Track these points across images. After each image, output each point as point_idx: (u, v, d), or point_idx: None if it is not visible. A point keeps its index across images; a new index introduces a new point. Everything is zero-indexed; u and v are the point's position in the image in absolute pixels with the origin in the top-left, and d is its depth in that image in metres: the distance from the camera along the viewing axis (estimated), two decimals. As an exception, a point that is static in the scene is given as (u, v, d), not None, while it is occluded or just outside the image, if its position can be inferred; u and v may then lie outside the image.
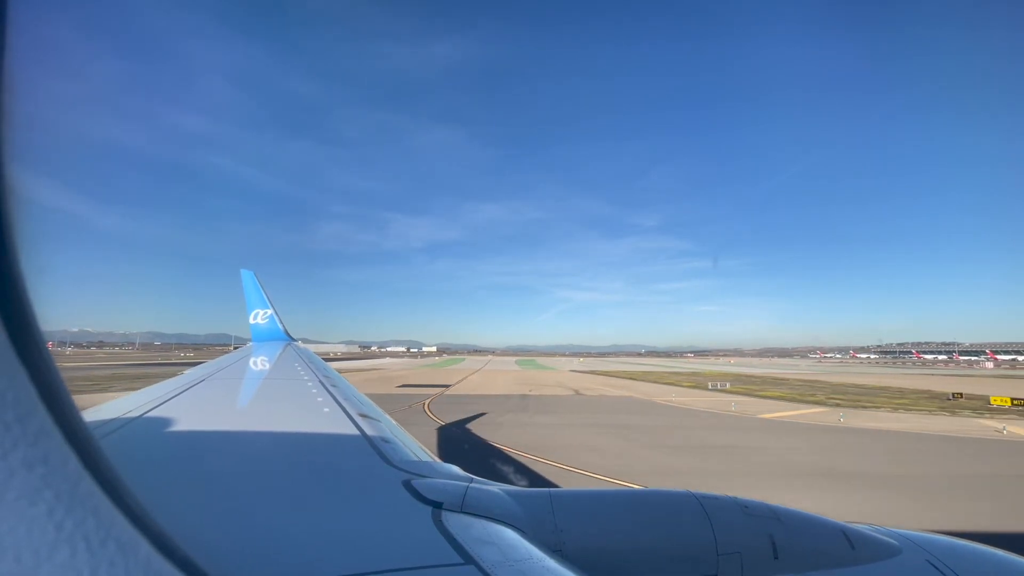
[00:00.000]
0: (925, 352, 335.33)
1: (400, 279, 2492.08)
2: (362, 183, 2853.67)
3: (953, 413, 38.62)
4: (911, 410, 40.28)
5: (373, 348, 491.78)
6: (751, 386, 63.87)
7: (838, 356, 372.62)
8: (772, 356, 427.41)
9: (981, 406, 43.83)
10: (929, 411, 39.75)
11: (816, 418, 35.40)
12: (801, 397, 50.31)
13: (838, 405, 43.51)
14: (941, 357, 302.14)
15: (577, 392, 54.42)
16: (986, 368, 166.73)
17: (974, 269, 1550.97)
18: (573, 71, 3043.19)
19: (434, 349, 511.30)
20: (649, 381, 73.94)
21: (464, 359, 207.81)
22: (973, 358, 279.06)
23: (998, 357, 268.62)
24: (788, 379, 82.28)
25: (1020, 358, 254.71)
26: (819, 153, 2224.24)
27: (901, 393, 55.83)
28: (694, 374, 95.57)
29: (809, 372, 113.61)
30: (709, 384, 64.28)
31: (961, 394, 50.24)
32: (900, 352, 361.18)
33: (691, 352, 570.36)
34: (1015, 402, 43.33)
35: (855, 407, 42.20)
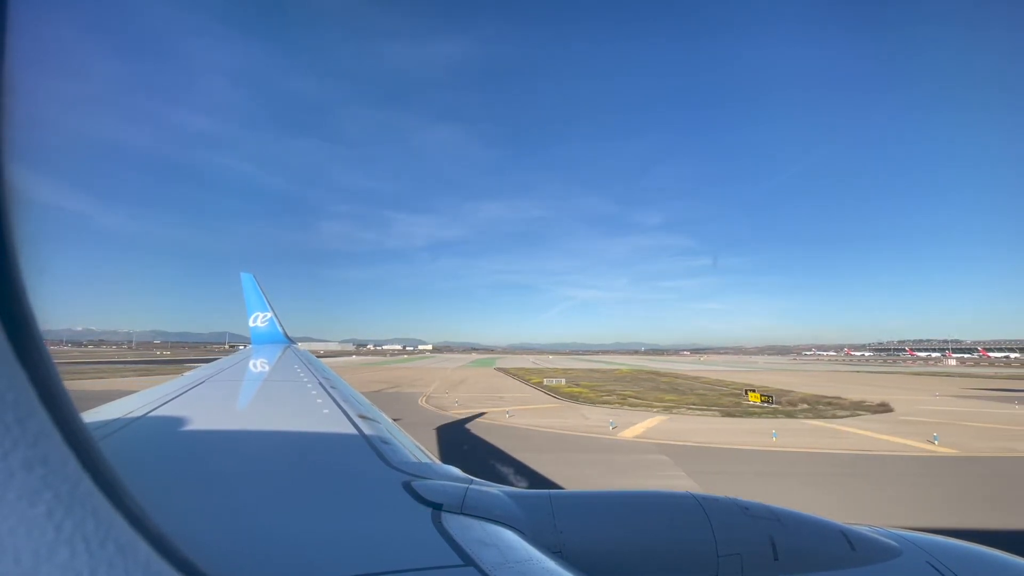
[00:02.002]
0: (920, 350, 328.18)
1: (403, 278, 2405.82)
2: (364, 182, 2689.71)
3: (667, 411, 38.74)
4: (640, 407, 40.47)
5: (369, 346, 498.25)
6: (582, 382, 64.11)
7: (832, 354, 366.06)
8: (769, 354, 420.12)
9: (738, 403, 43.77)
10: (645, 408, 39.90)
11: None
12: (588, 395, 50.60)
13: (600, 403, 43.94)
14: (935, 355, 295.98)
15: (383, 389, 55.73)
16: (947, 365, 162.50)
17: (980, 266, 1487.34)
18: (576, 70, 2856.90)
19: (430, 347, 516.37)
20: (520, 378, 74.68)
21: (431, 357, 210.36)
22: (966, 355, 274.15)
23: (990, 354, 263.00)
24: (679, 376, 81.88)
25: (1013, 355, 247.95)
26: (821, 152, 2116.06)
27: (719, 391, 55.55)
28: (607, 371, 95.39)
29: (739, 369, 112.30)
30: (544, 380, 64.83)
31: (753, 390, 50.10)
32: (894, 350, 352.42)
33: (688, 350, 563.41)
34: (762, 398, 43.24)
35: (595, 405, 42.59)
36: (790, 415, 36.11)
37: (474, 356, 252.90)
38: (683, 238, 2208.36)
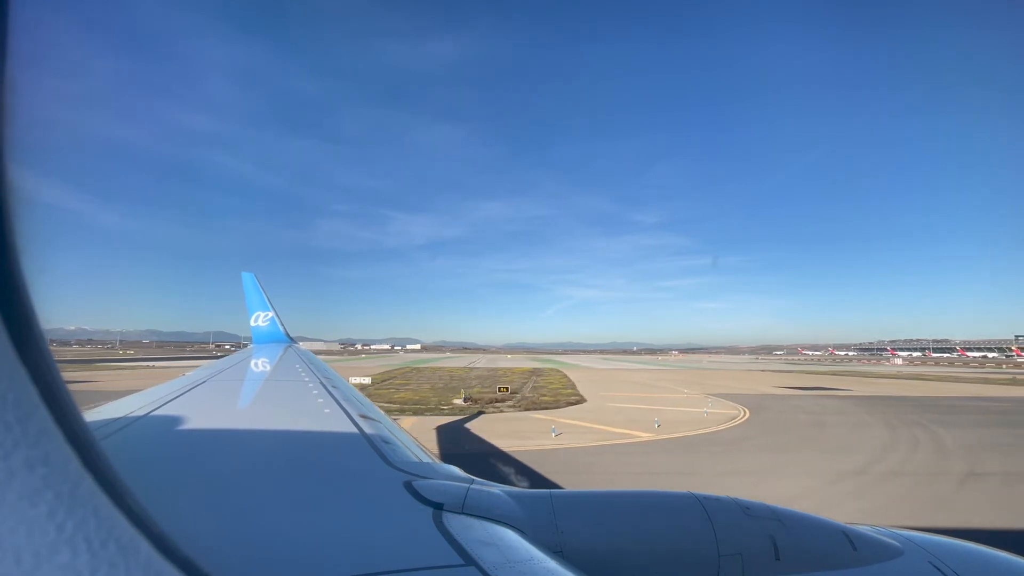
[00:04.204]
0: (902, 349, 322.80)
1: (401, 277, 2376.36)
2: (363, 180, 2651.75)
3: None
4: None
5: (357, 346, 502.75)
6: (395, 380, 63.27)
7: (818, 353, 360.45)
8: (760, 354, 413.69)
9: (443, 402, 42.63)
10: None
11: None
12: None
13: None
14: (916, 354, 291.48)
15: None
16: (893, 364, 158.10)
17: (980, 266, 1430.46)
18: (575, 69, 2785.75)
19: (419, 347, 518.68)
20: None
21: (386, 356, 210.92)
22: (946, 355, 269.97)
23: (969, 354, 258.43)
24: (544, 373, 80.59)
25: (991, 355, 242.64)
26: (821, 151, 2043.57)
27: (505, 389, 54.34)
28: (495, 370, 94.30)
29: (661, 368, 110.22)
30: (351, 379, 64.18)
31: (507, 388, 48.84)
32: (877, 350, 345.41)
33: (677, 350, 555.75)
34: (466, 399, 42.04)
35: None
36: (418, 412, 34.93)
37: (446, 354, 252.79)
38: (681, 237, 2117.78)
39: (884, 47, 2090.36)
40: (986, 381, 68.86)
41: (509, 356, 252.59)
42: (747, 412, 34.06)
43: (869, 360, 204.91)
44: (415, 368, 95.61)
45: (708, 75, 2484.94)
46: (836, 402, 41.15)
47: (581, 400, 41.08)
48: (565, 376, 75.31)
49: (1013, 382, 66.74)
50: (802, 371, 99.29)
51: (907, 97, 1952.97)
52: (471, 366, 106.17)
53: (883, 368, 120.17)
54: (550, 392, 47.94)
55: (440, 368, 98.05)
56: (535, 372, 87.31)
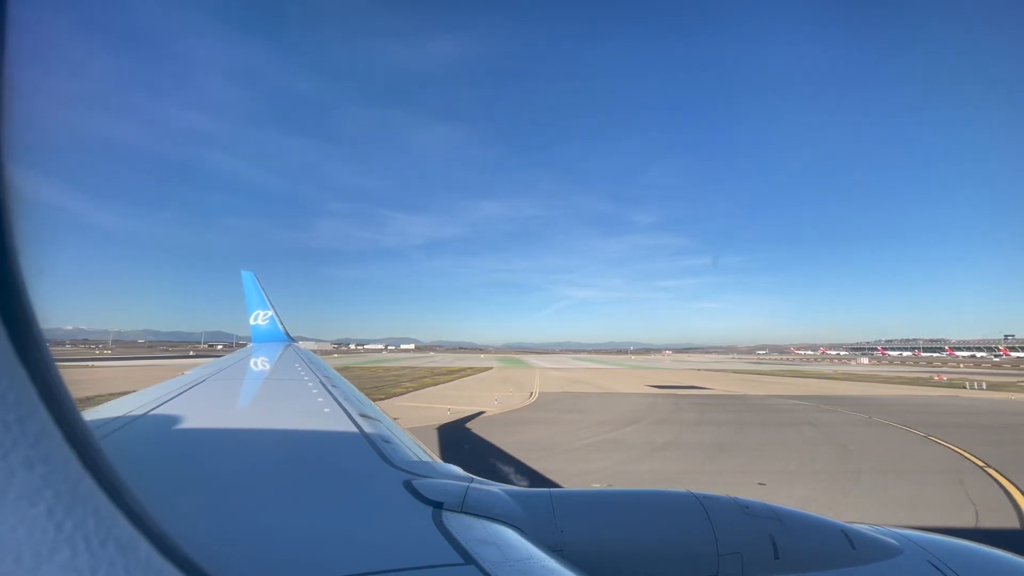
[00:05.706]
0: (893, 349, 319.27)
1: (400, 277, 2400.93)
2: (360, 180, 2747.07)
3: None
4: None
5: (351, 345, 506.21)
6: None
7: (809, 352, 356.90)
8: (755, 352, 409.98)
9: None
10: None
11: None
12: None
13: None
14: (906, 353, 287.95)
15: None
16: (859, 363, 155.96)
17: (976, 266, 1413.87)
18: (572, 68, 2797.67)
19: (412, 347, 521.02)
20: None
21: (383, 353, 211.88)
22: (935, 354, 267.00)
23: (957, 353, 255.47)
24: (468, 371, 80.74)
25: (979, 354, 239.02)
26: (819, 150, 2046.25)
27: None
28: (392, 367, 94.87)
29: (615, 368, 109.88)
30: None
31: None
32: (868, 349, 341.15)
33: (670, 349, 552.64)
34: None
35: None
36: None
37: (430, 354, 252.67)
38: (679, 237, 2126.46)
39: (881, 47, 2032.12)
40: (897, 382, 67.64)
41: (483, 355, 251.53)
42: (512, 409, 33.83)
43: (841, 360, 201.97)
44: (346, 368, 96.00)
45: (706, 75, 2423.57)
46: (649, 400, 40.71)
47: (396, 396, 41.01)
48: (474, 376, 75.36)
49: (914, 383, 65.47)
50: (737, 371, 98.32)
51: (905, 98, 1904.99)
52: (424, 366, 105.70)
53: (826, 368, 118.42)
54: (398, 389, 47.96)
55: (386, 368, 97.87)
56: (459, 371, 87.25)
